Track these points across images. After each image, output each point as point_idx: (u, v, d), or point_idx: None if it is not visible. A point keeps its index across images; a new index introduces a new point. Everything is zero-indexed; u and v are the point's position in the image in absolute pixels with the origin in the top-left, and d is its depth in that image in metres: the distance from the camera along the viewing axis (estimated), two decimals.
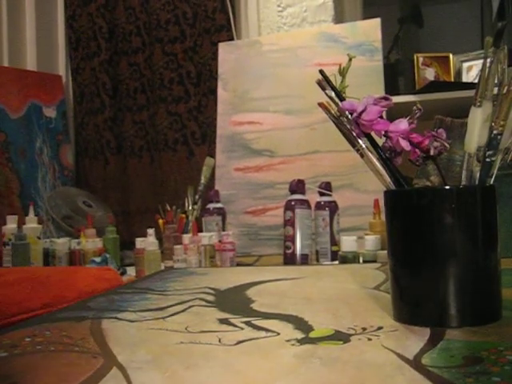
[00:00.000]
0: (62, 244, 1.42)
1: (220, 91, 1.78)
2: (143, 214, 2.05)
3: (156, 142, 2.06)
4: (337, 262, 1.23)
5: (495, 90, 0.43)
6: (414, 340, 0.38)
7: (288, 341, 0.40)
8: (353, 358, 0.35)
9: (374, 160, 0.47)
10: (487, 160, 0.43)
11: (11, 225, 1.43)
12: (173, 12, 2.02)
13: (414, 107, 0.46)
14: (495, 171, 0.44)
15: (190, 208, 1.55)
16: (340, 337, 0.40)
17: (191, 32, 2.01)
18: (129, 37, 2.09)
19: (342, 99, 0.48)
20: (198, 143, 2.00)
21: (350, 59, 0.48)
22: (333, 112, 0.48)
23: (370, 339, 0.39)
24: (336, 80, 0.48)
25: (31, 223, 1.44)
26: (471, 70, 1.87)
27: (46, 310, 0.75)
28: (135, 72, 2.10)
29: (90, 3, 2.11)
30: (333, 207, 1.37)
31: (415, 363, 0.33)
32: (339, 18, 1.93)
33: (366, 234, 1.17)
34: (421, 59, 1.90)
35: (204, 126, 1.98)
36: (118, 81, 2.12)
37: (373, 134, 0.46)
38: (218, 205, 1.56)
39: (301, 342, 0.39)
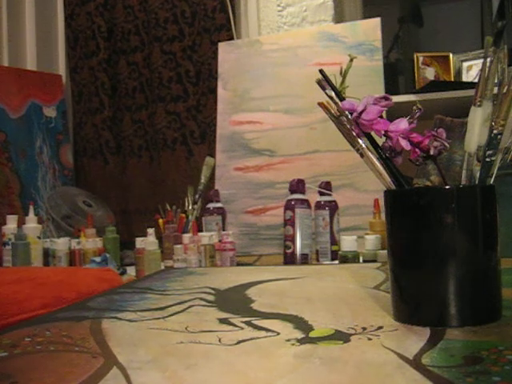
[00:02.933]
0: (62, 244, 1.42)
1: (220, 91, 1.78)
2: (142, 213, 2.05)
3: (155, 141, 2.05)
4: (337, 262, 1.23)
5: (495, 90, 0.43)
6: (414, 340, 0.38)
7: (288, 340, 0.40)
8: (353, 357, 0.35)
9: (374, 160, 0.47)
10: (487, 160, 0.43)
11: (11, 225, 1.43)
12: (171, 11, 2.02)
13: (414, 107, 0.46)
14: (495, 171, 0.44)
15: (190, 208, 1.55)
16: (340, 336, 0.40)
17: (190, 31, 2.00)
18: (127, 36, 2.09)
19: (341, 99, 0.48)
20: (197, 143, 1.99)
21: (351, 60, 0.48)
22: (333, 112, 0.48)
23: (370, 339, 0.39)
24: (336, 80, 0.48)
25: (31, 223, 1.44)
26: (471, 70, 1.87)
27: (45, 311, 0.75)
28: (134, 71, 2.09)
29: (89, 2, 2.11)
30: (333, 207, 1.37)
31: (415, 363, 0.33)
32: (339, 17, 1.93)
33: (366, 234, 1.17)
34: (421, 59, 1.90)
35: (203, 126, 1.98)
36: (117, 80, 2.11)
37: (373, 133, 0.46)
38: (218, 204, 1.56)
39: (301, 341, 0.39)
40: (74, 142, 2.18)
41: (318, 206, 1.38)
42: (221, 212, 1.54)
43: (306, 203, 1.38)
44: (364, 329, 0.42)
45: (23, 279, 0.83)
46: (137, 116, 2.09)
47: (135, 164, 2.09)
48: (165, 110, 2.03)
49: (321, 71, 0.49)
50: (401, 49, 2.33)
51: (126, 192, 2.09)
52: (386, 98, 0.45)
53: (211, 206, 1.55)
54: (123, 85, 2.10)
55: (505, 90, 0.43)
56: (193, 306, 0.54)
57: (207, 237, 1.31)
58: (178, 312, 0.51)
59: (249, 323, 0.46)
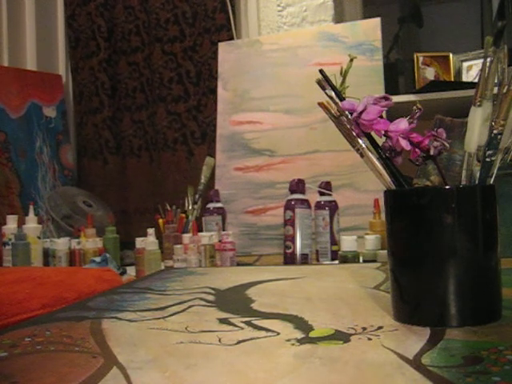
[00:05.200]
0: (62, 244, 1.42)
1: (220, 91, 1.78)
2: (142, 213, 2.05)
3: (155, 141, 2.05)
4: (337, 262, 1.23)
5: (495, 90, 0.43)
6: (414, 340, 0.38)
7: (288, 340, 0.40)
8: (353, 357, 0.35)
9: (374, 160, 0.47)
10: (487, 160, 0.43)
11: (11, 225, 1.43)
12: (172, 11, 2.02)
13: (414, 107, 0.46)
14: (495, 171, 0.44)
15: (190, 208, 1.55)
16: (340, 336, 0.40)
17: (191, 31, 2.00)
18: (128, 36, 2.09)
19: (341, 99, 0.48)
20: (198, 143, 1.99)
21: (352, 60, 0.48)
22: (333, 112, 0.48)
23: (370, 339, 0.39)
24: (336, 80, 0.48)
25: (31, 223, 1.44)
26: (471, 70, 1.87)
27: (45, 311, 0.75)
28: (134, 71, 2.09)
29: (89, 2, 2.11)
30: (333, 207, 1.37)
31: (415, 363, 0.33)
32: (339, 17, 1.93)
33: (366, 234, 1.17)
34: (421, 59, 1.90)
35: (204, 126, 1.98)
36: (117, 80, 2.12)
37: (373, 133, 0.46)
38: (218, 204, 1.56)
39: (301, 341, 0.39)
40: (75, 142, 2.18)
41: (318, 206, 1.38)
42: (221, 212, 1.54)
43: (306, 203, 1.38)
44: (364, 329, 0.42)
45: (23, 279, 0.83)
46: (137, 116, 2.09)
47: (135, 164, 2.09)
48: (166, 111, 2.03)
49: (321, 71, 0.49)
50: (401, 49, 2.33)
51: (125, 192, 2.09)
52: (385, 98, 0.45)
53: (211, 205, 1.55)
54: (123, 85, 2.10)
55: (505, 90, 0.43)
56: (193, 305, 0.54)
57: (207, 237, 1.31)
58: (178, 312, 0.51)
59: (249, 323, 0.46)
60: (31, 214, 1.47)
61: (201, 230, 1.45)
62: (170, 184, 2.01)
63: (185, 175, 1.98)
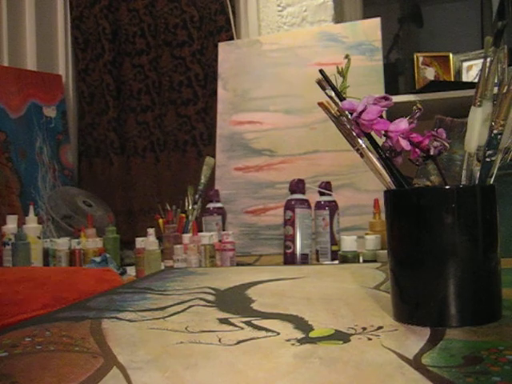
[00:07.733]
0: (62, 244, 1.42)
1: (220, 91, 1.78)
2: (146, 213, 2.06)
3: (164, 142, 2.07)
4: (337, 262, 1.23)
5: (495, 90, 0.43)
6: (414, 340, 0.38)
7: (288, 340, 0.40)
8: (353, 357, 0.35)
9: (374, 160, 0.47)
10: (487, 160, 0.43)
11: (11, 225, 1.43)
12: (180, 16, 2.03)
13: (414, 107, 0.46)
14: (495, 171, 0.44)
15: (190, 208, 1.55)
16: (340, 336, 0.40)
17: (198, 35, 2.02)
18: (132, 38, 2.10)
19: (341, 99, 0.48)
20: (206, 144, 2.01)
21: (349, 58, 0.48)
22: (333, 112, 0.48)
23: (370, 339, 0.39)
24: (336, 80, 0.48)
25: (31, 223, 1.45)
26: (471, 70, 1.87)
27: (45, 311, 0.75)
28: (139, 73, 2.10)
29: (95, 5, 2.12)
30: (333, 207, 1.37)
31: (415, 363, 0.33)
32: (339, 17, 1.93)
33: (366, 234, 1.17)
34: (421, 59, 1.90)
35: (210, 127, 1.99)
36: (121, 82, 2.13)
37: (373, 133, 0.46)
38: (218, 204, 1.56)
39: (301, 341, 0.39)
40: (80, 143, 2.19)
41: (318, 206, 1.38)
42: (221, 212, 1.54)
43: (306, 203, 1.38)
44: (364, 329, 0.42)
45: (23, 279, 0.83)
46: (141, 117, 2.10)
47: (139, 164, 2.11)
48: (176, 113, 2.04)
49: (321, 71, 0.49)
50: (401, 49, 2.33)
51: (130, 192, 2.10)
52: (386, 98, 0.45)
53: (211, 205, 1.55)
54: (128, 86, 2.11)
55: (505, 90, 0.43)
56: (193, 306, 0.54)
57: (207, 237, 1.31)
58: (178, 312, 0.51)
59: (249, 323, 0.46)
60: (31, 214, 1.47)
61: (201, 230, 1.45)
62: (180, 185, 2.02)
63: (194, 176, 1.99)
